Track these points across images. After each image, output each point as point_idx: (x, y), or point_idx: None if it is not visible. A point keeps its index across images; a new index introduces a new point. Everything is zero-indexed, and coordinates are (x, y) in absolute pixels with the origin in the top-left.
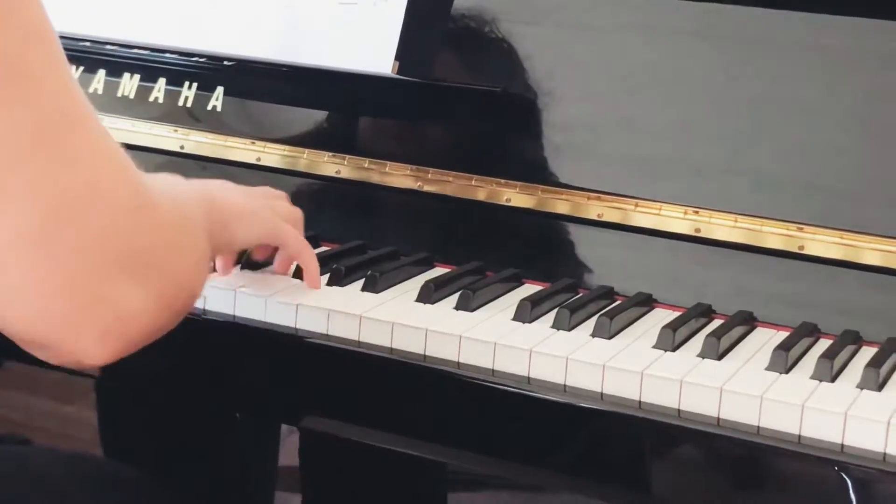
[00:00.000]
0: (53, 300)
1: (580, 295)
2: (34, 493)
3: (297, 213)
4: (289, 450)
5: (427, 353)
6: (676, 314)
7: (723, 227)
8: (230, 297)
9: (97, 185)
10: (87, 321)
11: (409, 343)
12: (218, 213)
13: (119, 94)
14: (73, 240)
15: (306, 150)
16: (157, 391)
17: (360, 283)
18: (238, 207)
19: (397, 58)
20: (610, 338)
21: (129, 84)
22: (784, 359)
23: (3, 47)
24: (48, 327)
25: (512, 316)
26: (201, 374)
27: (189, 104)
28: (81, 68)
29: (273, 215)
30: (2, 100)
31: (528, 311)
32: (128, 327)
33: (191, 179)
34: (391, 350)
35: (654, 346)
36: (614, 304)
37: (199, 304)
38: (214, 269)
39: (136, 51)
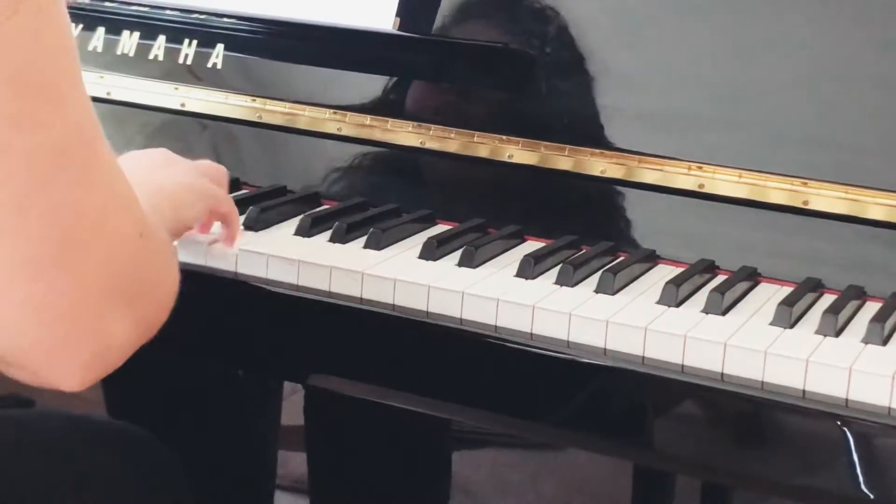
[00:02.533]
0: (47, 329)
1: (583, 251)
2: (38, 455)
3: (222, 171)
4: (292, 409)
5: (429, 310)
6: (680, 270)
7: (727, 182)
8: (232, 255)
9: (108, 212)
10: (74, 352)
11: (411, 300)
12: (169, 202)
13: (119, 52)
14: (82, 267)
15: (307, 108)
16: (161, 350)
17: (363, 240)
18: (181, 188)
19: (398, 14)
20: (613, 294)
21: (128, 42)
22: (788, 314)
23: (35, 66)
24: (34, 354)
25: (514, 272)
26: (204, 332)
27: (189, 62)
28: (80, 26)
29: (206, 183)
30: (28, 123)
31: (530, 268)
32: (111, 357)
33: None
34: (393, 307)
35: (658, 302)
36: (618, 261)
37: (200, 261)
38: None
39: (135, 7)
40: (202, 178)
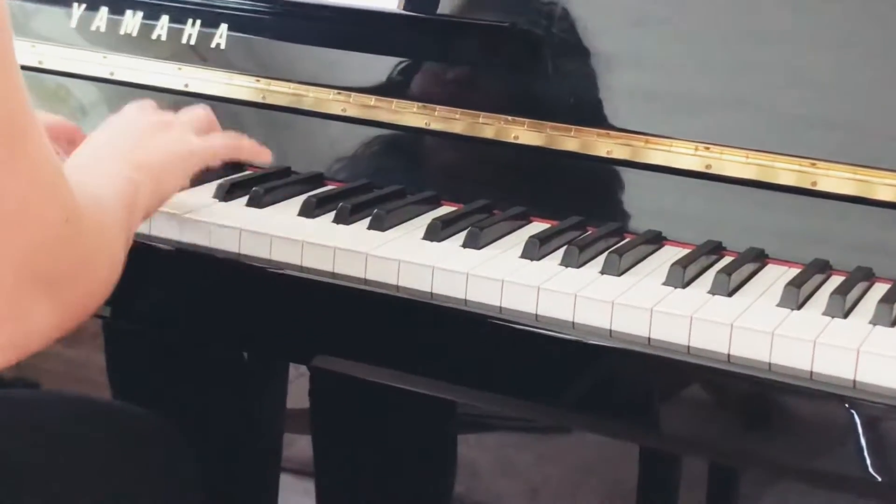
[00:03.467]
0: None
1: (589, 232)
2: (43, 437)
3: (205, 115)
4: (297, 392)
5: (434, 291)
6: (686, 251)
7: (734, 163)
8: (235, 235)
9: (29, 199)
10: None
11: (415, 281)
12: (149, 175)
13: (122, 33)
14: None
15: (312, 88)
16: (165, 331)
17: (367, 221)
18: (165, 157)
19: None
20: (619, 275)
21: (131, 22)
22: (796, 295)
23: None
24: None
25: (520, 254)
26: (208, 314)
27: (193, 42)
28: (84, 6)
29: (195, 145)
30: None
31: (536, 249)
32: (31, 341)
33: (112, 137)
34: (398, 288)
35: (664, 283)
36: (623, 242)
37: (204, 242)
38: None
39: None
40: (191, 138)
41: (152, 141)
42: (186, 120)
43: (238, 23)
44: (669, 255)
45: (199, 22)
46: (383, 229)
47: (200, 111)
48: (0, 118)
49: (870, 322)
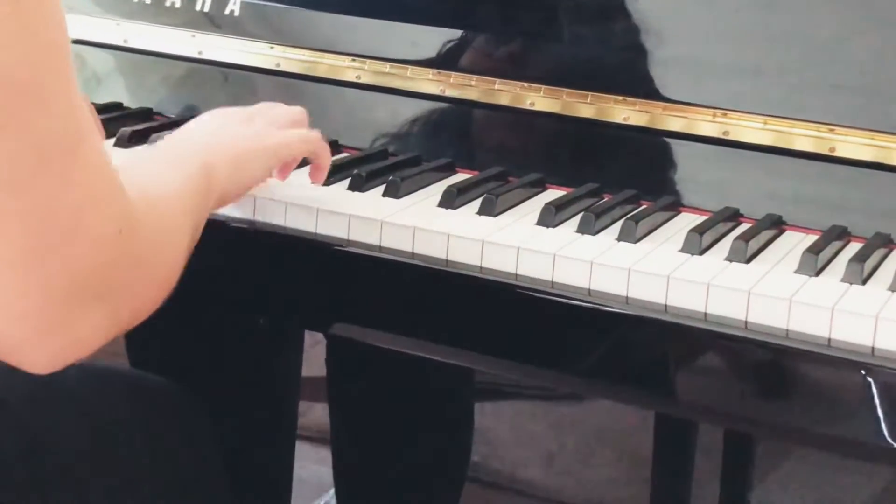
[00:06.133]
0: (17, 323)
1: (605, 199)
2: (59, 406)
3: (298, 114)
4: (312, 360)
5: (449, 259)
6: (703, 218)
7: (751, 129)
8: (250, 202)
9: (83, 212)
10: (42, 345)
11: (431, 248)
12: (223, 172)
13: (135, 0)
14: (50, 268)
15: (326, 55)
16: (182, 299)
17: (382, 188)
18: (240, 149)
19: None
20: (636, 242)
21: None
22: (813, 262)
23: (13, 67)
24: (8, 343)
25: (536, 221)
26: (225, 281)
27: (206, 9)
28: None
29: (274, 134)
30: (11, 123)
31: (552, 216)
32: (81, 349)
33: (190, 133)
34: (413, 255)
35: (681, 251)
36: (640, 209)
37: (221, 212)
38: None
39: None
40: (273, 131)
41: (233, 130)
42: (272, 115)
43: None
44: (686, 222)
45: None
46: (398, 196)
47: (293, 109)
48: (59, 130)
49: (888, 289)
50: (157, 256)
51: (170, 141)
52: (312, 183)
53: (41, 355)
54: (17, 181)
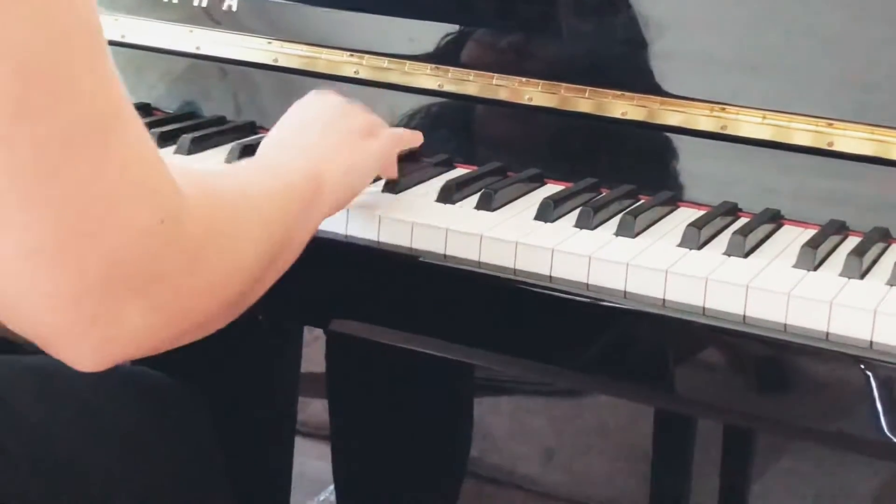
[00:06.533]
0: (56, 314)
1: (603, 194)
2: (60, 403)
3: (374, 121)
4: (311, 355)
5: (448, 254)
6: (702, 213)
7: (750, 123)
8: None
9: (118, 199)
10: (84, 336)
11: (429, 243)
12: (336, 178)
13: None
14: (86, 257)
15: (324, 51)
16: None
17: (380, 183)
18: (349, 155)
19: None
20: (634, 236)
21: None
22: (812, 256)
23: (40, 49)
24: (48, 336)
25: (534, 216)
26: None
27: (204, 4)
28: None
29: (377, 136)
30: (39, 107)
31: (550, 211)
32: (124, 343)
33: (297, 135)
34: (412, 250)
35: (679, 245)
36: (638, 203)
37: None
38: None
39: None
40: (358, 143)
41: (341, 131)
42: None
43: None
44: (685, 216)
45: None
46: (396, 192)
47: (375, 118)
48: (87, 115)
49: (887, 283)
50: (212, 258)
51: (274, 143)
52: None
53: (84, 349)
54: (45, 168)
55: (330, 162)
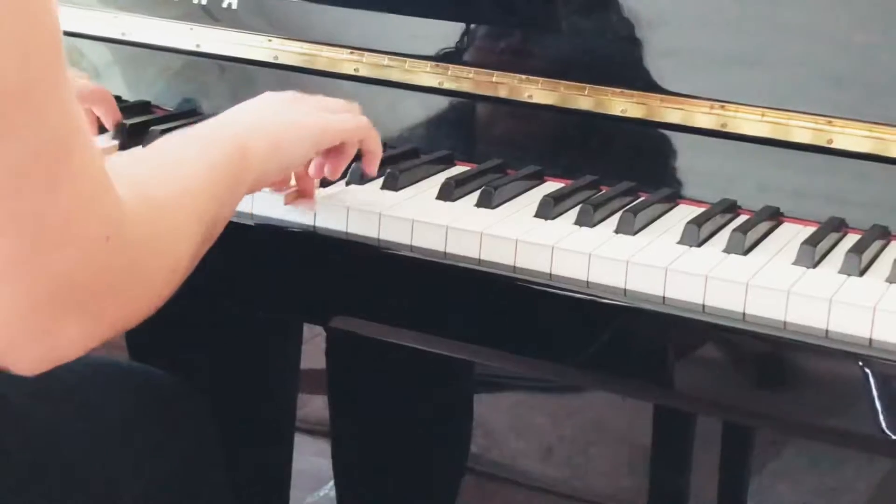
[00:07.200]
0: (2, 328)
1: (603, 191)
2: (60, 401)
3: (351, 106)
4: (310, 352)
5: (448, 251)
6: (701, 210)
7: (750, 121)
8: (247, 197)
9: (72, 217)
10: (27, 348)
11: (429, 241)
12: (261, 153)
13: None
14: (37, 275)
15: (324, 48)
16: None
17: (380, 181)
18: (280, 129)
19: None
20: (634, 234)
21: None
22: (811, 253)
23: (9, 73)
24: None
25: (534, 213)
26: (222, 274)
27: (204, 1)
28: None
29: (318, 116)
30: (6, 128)
31: (550, 208)
32: (63, 355)
33: (233, 115)
34: (411, 248)
35: (679, 242)
36: (638, 201)
37: None
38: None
39: None
40: (322, 114)
41: (275, 110)
42: (324, 102)
43: None
44: (684, 213)
45: None
46: (396, 189)
47: (345, 102)
48: (51, 137)
49: (886, 280)
50: (152, 263)
51: (208, 122)
52: (367, 173)
53: (25, 360)
54: (7, 187)
55: (257, 138)
